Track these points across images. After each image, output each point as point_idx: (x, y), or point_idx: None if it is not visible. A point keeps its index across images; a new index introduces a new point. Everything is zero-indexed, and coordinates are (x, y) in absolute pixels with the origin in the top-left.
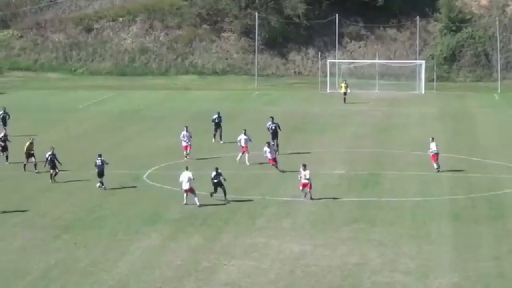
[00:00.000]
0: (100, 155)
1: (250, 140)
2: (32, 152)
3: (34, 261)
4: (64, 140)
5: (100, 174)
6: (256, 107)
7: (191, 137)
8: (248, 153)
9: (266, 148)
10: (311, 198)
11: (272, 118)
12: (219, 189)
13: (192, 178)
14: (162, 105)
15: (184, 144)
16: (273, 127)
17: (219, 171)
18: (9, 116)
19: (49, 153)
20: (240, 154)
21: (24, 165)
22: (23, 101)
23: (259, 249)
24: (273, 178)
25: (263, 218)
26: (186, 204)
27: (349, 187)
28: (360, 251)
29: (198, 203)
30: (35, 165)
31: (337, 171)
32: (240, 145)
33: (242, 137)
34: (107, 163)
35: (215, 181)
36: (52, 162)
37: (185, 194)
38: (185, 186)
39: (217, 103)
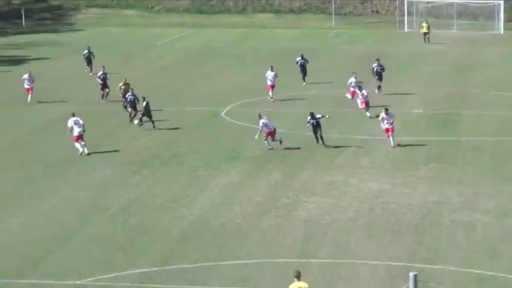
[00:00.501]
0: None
1: (277, 76)
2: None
3: (114, 196)
4: (142, 77)
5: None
6: (333, 46)
7: (276, 76)
8: (272, 89)
9: (352, 79)
10: (392, 145)
11: (378, 60)
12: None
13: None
14: (239, 43)
15: (269, 83)
16: (378, 69)
17: (316, 115)
18: (93, 56)
19: (129, 93)
20: (270, 93)
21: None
22: (101, 38)
23: (338, 186)
24: (352, 116)
25: (342, 156)
26: (271, 149)
27: (427, 126)
28: (439, 190)
29: (280, 141)
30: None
31: (416, 110)
32: (268, 81)
33: (270, 73)
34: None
35: (313, 123)
36: (133, 103)
37: (266, 141)
38: (266, 131)
39: (295, 41)
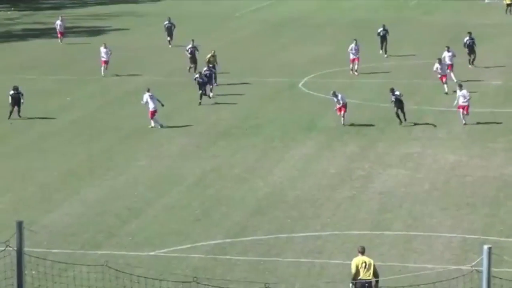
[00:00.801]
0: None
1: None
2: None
3: (190, 166)
4: (221, 47)
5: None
6: (414, 16)
7: (358, 50)
8: (359, 61)
9: (437, 65)
10: (464, 123)
11: (470, 33)
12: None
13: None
14: (318, 14)
15: (351, 56)
16: (470, 43)
17: (395, 91)
18: (174, 26)
19: (205, 69)
20: (352, 66)
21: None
22: (180, 9)
23: (414, 158)
24: (429, 88)
25: (419, 128)
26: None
27: (505, 98)
28: None
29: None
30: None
31: (494, 81)
32: (351, 54)
33: (353, 46)
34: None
35: (393, 100)
36: (209, 78)
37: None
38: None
39: (374, 12)
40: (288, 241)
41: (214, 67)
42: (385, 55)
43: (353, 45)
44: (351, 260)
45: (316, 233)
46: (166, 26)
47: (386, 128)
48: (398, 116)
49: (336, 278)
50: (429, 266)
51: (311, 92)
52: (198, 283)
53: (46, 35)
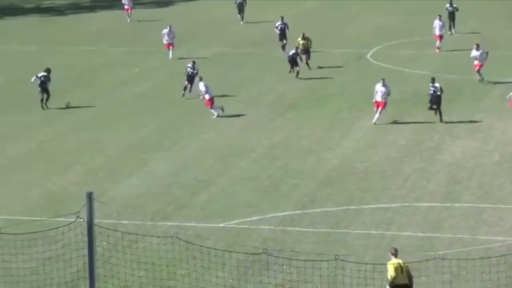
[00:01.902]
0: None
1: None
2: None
3: (258, 138)
4: (289, 20)
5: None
6: None
7: (443, 26)
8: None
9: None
10: None
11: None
12: None
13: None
14: None
15: (437, 33)
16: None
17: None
18: (245, 3)
19: (293, 51)
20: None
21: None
22: None
23: (483, 130)
24: (498, 59)
25: (488, 99)
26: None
27: None
28: None
29: None
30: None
31: None
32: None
33: (437, 22)
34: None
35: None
36: (293, 60)
37: None
38: None
39: None
40: (357, 213)
41: (307, 51)
42: (449, 33)
43: (437, 21)
44: (422, 232)
45: (386, 205)
46: (238, 2)
47: (455, 100)
48: (432, 109)
49: (406, 250)
50: (500, 238)
51: (379, 63)
52: (268, 254)
53: (115, 7)
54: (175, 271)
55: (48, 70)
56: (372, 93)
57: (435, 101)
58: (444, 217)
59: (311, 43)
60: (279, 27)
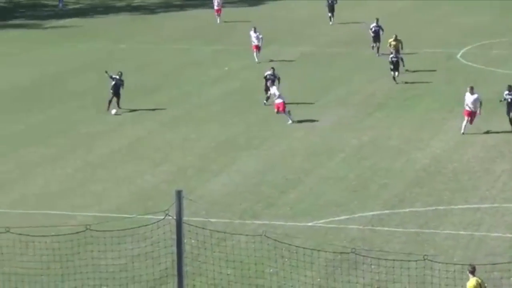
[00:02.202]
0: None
1: None
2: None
3: (347, 138)
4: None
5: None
6: None
7: None
8: None
9: None
10: None
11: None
12: None
13: None
14: None
15: None
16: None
17: None
18: (336, 2)
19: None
20: None
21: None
22: None
23: None
24: None
25: None
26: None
27: None
28: None
29: None
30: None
31: None
32: None
33: None
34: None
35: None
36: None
37: None
38: None
39: None
40: (446, 213)
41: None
42: None
43: None
44: (510, 233)
45: (475, 206)
46: (329, 2)
47: None
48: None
49: (495, 251)
50: None
51: (470, 63)
52: (356, 254)
53: (205, 6)
54: (263, 270)
55: (120, 74)
56: (462, 93)
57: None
58: None
59: (402, 45)
60: (373, 29)
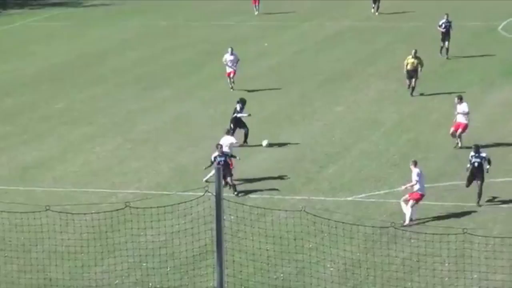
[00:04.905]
0: None
1: None
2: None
3: (388, 112)
4: None
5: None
6: None
7: None
8: None
9: None
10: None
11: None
12: None
13: None
14: None
15: None
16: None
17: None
18: None
19: None
20: None
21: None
22: None
23: None
24: None
25: None
26: None
27: None
28: None
29: None
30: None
31: None
32: None
33: None
34: None
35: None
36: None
37: None
38: None
39: None
40: (486, 186)
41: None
42: None
43: None
44: None
45: None
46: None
47: None
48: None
49: None
50: None
51: (511, 36)
52: (395, 228)
53: None
54: (302, 245)
55: None
56: (505, 66)
57: (476, 175)
58: None
59: (422, 66)
60: (443, 25)
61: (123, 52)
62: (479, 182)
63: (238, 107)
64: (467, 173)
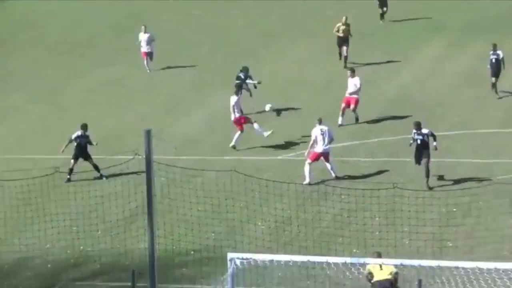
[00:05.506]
0: None
1: None
2: None
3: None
4: None
5: None
6: None
7: None
8: None
9: None
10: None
11: None
12: None
13: None
14: None
15: None
16: None
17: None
18: None
19: None
20: None
21: None
22: None
23: None
24: None
25: None
26: None
27: None
28: None
29: None
30: None
31: None
32: None
33: None
34: None
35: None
36: None
37: None
38: None
39: None
40: None
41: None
42: None
43: None
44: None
45: (445, 133)
46: None
47: None
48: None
49: (464, 176)
50: None
51: None
52: (326, 185)
53: None
54: (233, 204)
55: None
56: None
57: (421, 153)
58: (503, 143)
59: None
60: (493, 60)
61: None
62: (425, 159)
63: (242, 75)
64: (413, 150)
